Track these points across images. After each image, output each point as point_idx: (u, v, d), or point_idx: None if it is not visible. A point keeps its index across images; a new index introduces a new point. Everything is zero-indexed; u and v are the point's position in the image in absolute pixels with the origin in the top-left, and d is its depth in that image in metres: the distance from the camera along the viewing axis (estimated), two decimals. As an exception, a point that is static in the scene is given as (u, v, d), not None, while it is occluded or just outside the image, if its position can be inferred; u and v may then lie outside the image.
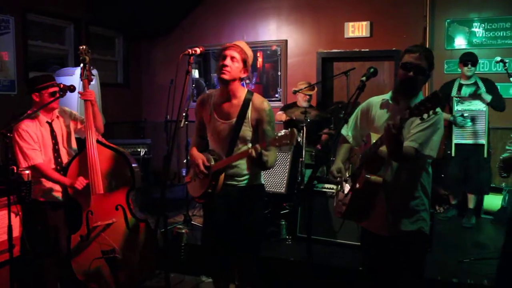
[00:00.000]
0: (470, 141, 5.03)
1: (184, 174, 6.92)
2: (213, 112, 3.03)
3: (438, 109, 2.46)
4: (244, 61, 2.92)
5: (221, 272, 3.27)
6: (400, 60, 2.56)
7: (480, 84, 5.01)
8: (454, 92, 5.08)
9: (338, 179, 2.69)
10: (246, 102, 2.95)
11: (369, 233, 2.72)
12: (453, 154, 5.07)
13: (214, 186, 2.94)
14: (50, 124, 3.55)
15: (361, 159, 2.56)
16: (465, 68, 5.03)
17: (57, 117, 3.62)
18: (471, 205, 5.20)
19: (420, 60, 2.48)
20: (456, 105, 5.06)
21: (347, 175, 2.73)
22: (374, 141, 2.42)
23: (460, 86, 5.10)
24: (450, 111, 5.12)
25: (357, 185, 2.53)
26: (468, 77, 5.06)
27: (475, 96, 4.93)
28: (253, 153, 2.68)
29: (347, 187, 2.69)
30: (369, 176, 2.44)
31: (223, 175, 2.94)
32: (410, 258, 2.62)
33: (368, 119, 2.72)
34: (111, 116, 6.36)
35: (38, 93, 3.44)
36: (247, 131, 2.95)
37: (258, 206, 3.15)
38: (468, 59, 5.01)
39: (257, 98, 2.99)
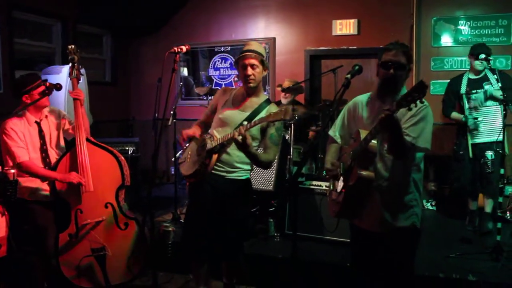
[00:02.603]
0: (486, 140, 4.66)
1: (172, 172, 6.92)
2: (231, 101, 3.16)
3: (426, 102, 2.45)
4: (262, 62, 3.06)
5: (202, 267, 3.28)
6: (379, 59, 2.58)
7: (490, 76, 4.68)
8: (463, 89, 4.78)
9: (333, 172, 2.72)
10: (264, 105, 3.10)
11: (360, 230, 2.73)
12: (470, 155, 4.73)
13: (206, 165, 2.99)
14: (38, 124, 3.53)
15: (352, 156, 2.56)
16: (477, 62, 4.66)
17: (46, 116, 3.61)
18: (488, 209, 4.80)
19: (399, 57, 2.50)
20: (468, 103, 4.76)
21: (340, 172, 2.71)
22: (363, 137, 2.43)
23: (470, 82, 4.78)
24: (461, 109, 4.85)
25: (350, 182, 2.53)
26: (479, 71, 4.74)
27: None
28: (236, 135, 2.75)
29: (339, 186, 2.69)
30: (361, 172, 2.45)
31: (216, 155, 3.00)
32: (402, 253, 2.64)
33: (355, 118, 2.74)
34: (99, 114, 6.32)
35: (28, 94, 3.43)
36: (254, 129, 2.98)
37: (244, 200, 3.21)
38: (481, 51, 4.55)
39: (274, 106, 3.14)
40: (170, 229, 4.41)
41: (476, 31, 5.96)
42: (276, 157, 4.78)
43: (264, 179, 4.75)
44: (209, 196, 3.10)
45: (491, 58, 4.42)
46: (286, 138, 5.01)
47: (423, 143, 2.45)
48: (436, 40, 6.16)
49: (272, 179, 4.72)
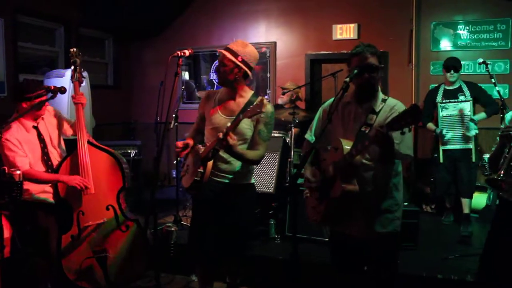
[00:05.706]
0: (457, 146, 4.95)
1: (174, 175, 6.96)
2: (217, 107, 3.11)
3: (401, 105, 2.58)
4: (234, 62, 3.03)
5: (207, 270, 3.32)
6: (349, 65, 2.65)
7: (465, 88, 4.98)
8: (439, 98, 5.06)
9: (314, 184, 2.73)
10: (250, 102, 3.00)
11: (342, 235, 2.75)
12: (441, 160, 5.03)
13: (202, 174, 2.94)
14: (36, 128, 3.56)
15: (334, 168, 2.56)
16: (448, 74, 4.99)
17: (42, 118, 3.61)
18: (466, 210, 4.97)
19: (369, 59, 2.57)
20: (442, 111, 5.03)
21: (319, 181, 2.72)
22: (345, 147, 2.46)
23: (445, 92, 5.08)
24: (437, 117, 5.09)
25: (334, 195, 2.53)
26: (452, 83, 5.04)
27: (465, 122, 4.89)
28: (220, 135, 2.74)
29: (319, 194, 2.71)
30: (345, 186, 2.45)
31: (211, 162, 2.94)
32: (385, 258, 2.70)
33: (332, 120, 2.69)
34: (101, 117, 6.39)
35: (29, 101, 3.42)
36: (246, 128, 2.97)
37: (246, 204, 3.18)
38: (450, 65, 4.97)
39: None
40: (172, 229, 4.45)
41: (475, 36, 6.02)
42: (277, 160, 4.84)
43: (265, 182, 4.78)
44: (210, 204, 3.09)
45: (489, 62, 4.51)
46: (287, 141, 5.05)
47: (405, 149, 2.47)
48: (436, 45, 6.22)
49: (273, 181, 4.75)
